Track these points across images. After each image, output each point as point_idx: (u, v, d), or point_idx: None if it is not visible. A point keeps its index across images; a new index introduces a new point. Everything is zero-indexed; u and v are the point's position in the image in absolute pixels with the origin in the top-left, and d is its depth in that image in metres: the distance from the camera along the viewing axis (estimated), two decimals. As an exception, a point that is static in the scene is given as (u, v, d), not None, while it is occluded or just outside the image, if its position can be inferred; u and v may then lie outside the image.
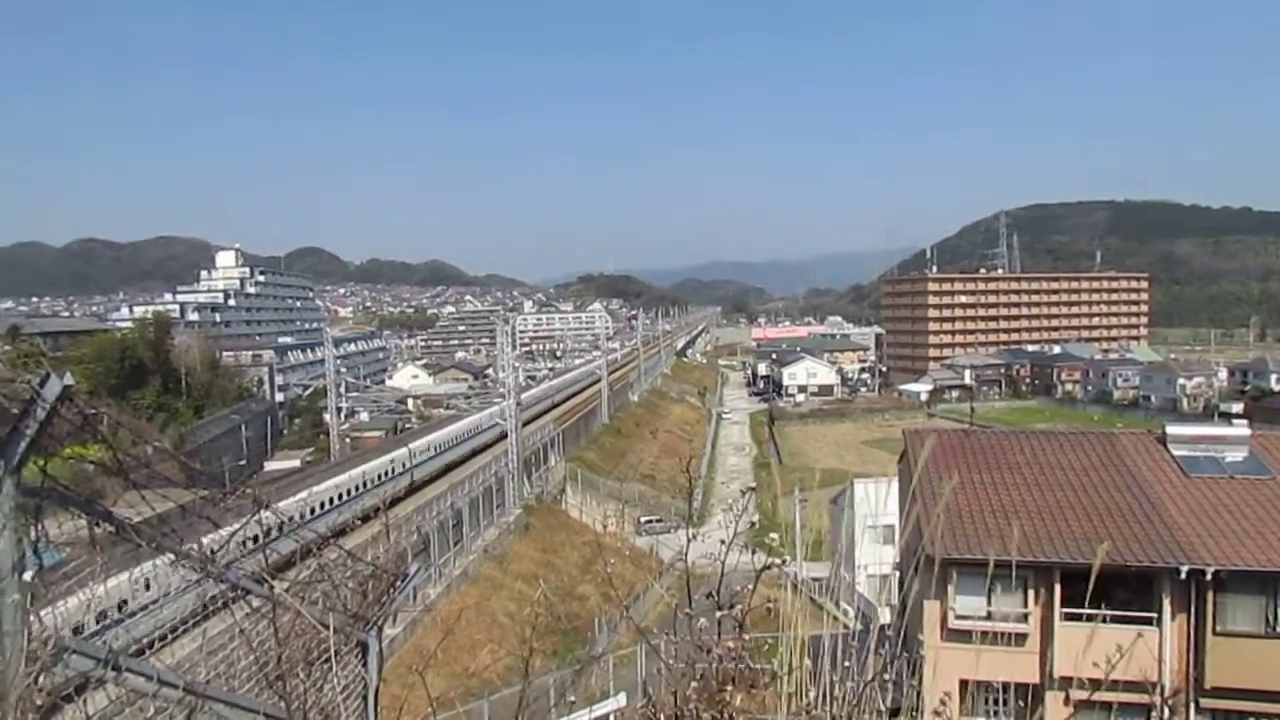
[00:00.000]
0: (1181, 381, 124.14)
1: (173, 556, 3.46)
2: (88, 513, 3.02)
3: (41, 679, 2.56)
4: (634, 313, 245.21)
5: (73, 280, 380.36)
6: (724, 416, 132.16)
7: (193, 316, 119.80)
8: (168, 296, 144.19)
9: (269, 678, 3.80)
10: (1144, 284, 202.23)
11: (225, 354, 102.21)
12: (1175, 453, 24.51)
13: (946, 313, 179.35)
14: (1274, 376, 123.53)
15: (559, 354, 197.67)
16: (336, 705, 4.15)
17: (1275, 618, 20.33)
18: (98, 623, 3.29)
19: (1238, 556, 20.16)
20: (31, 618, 2.59)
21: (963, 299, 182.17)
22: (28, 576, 2.56)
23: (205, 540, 3.77)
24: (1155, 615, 20.50)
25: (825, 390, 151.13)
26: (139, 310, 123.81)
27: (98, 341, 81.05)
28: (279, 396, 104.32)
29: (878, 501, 31.14)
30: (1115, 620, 19.51)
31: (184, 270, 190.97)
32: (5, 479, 2.55)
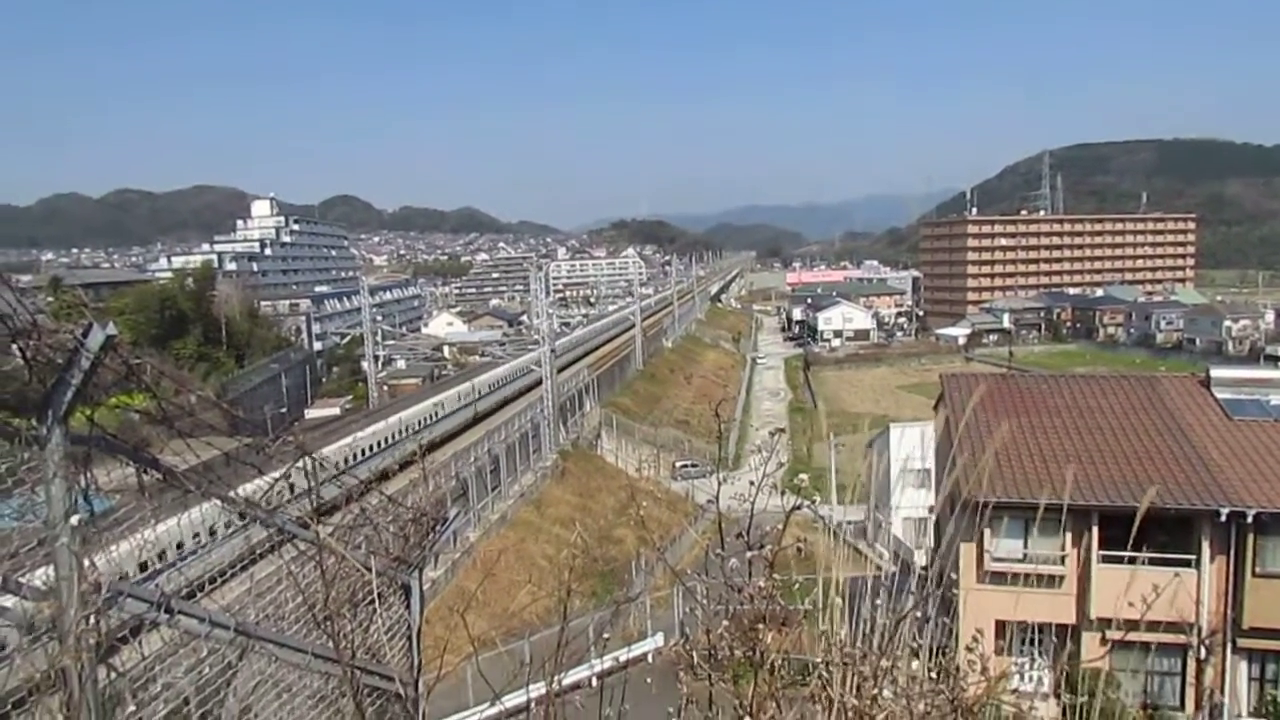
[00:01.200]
0: (1227, 324, 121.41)
1: (219, 502, 3.54)
2: (135, 460, 3.08)
3: (98, 620, 2.65)
4: (668, 259, 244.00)
5: (111, 230, 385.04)
6: (759, 362, 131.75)
7: (230, 266, 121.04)
8: (205, 246, 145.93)
9: (316, 619, 3.90)
10: (1191, 225, 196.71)
11: (263, 303, 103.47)
12: (1219, 395, 24.12)
13: (985, 256, 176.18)
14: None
15: (593, 300, 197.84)
16: (382, 645, 4.26)
17: (1316, 560, 20.21)
18: (151, 566, 3.39)
19: (1280, 499, 19.94)
20: (86, 563, 2.67)
21: (1003, 242, 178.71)
22: (74, 521, 2.63)
23: (250, 486, 3.85)
24: (1194, 557, 20.42)
25: (861, 335, 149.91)
26: (177, 260, 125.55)
27: (138, 292, 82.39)
28: (317, 345, 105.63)
29: (914, 446, 31.03)
30: (1153, 563, 19.45)
31: (219, 220, 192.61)
32: (54, 428, 2.60)
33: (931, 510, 27.58)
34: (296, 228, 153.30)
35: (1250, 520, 19.92)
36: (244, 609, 3.69)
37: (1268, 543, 20.34)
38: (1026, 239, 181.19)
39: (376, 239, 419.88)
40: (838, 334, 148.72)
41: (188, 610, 3.12)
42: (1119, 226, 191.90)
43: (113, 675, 2.76)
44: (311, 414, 72.75)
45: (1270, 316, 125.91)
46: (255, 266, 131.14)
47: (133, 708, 2.88)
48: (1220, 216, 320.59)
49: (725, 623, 2.81)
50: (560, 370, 63.37)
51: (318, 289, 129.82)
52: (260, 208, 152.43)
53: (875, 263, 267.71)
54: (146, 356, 3.21)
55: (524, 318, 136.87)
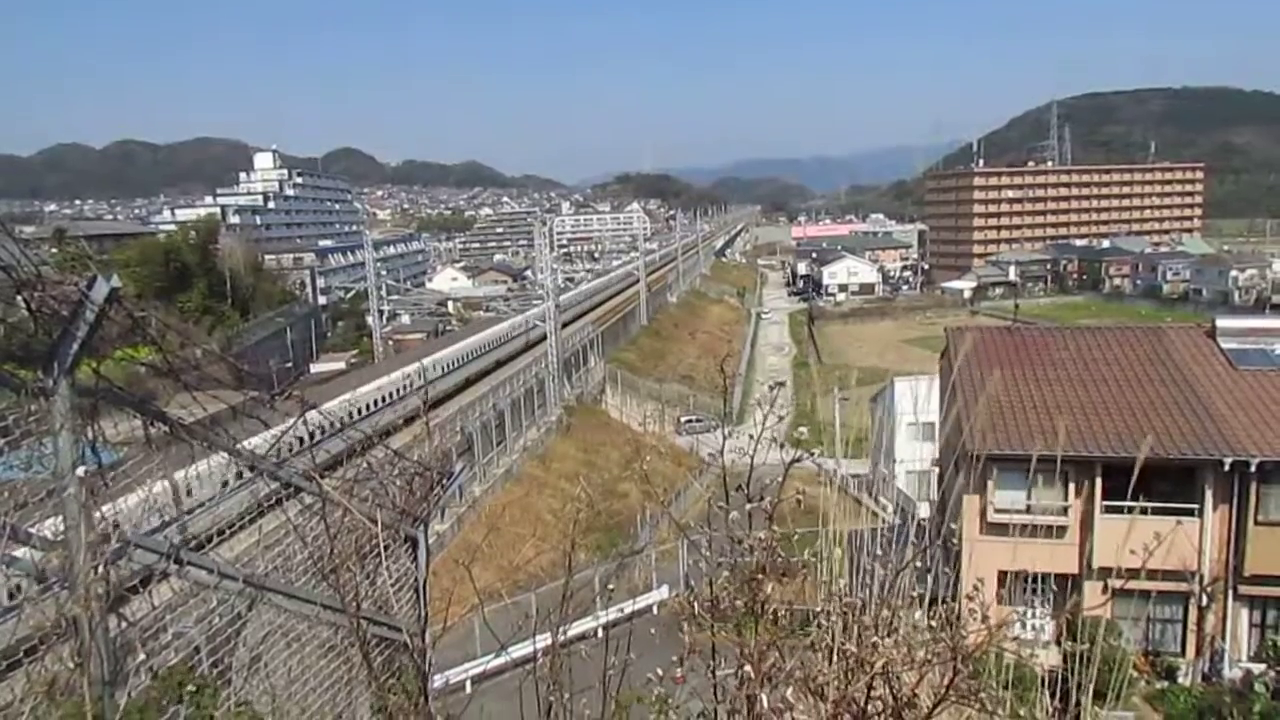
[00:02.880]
0: (1234, 274, 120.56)
1: (226, 455, 3.56)
2: (142, 413, 3.10)
3: (108, 570, 2.68)
4: (672, 213, 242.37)
5: (113, 181, 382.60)
6: (763, 316, 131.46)
7: (233, 219, 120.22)
8: (208, 199, 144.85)
9: (323, 571, 3.95)
10: (1199, 175, 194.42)
11: (267, 257, 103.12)
12: (1224, 345, 24.08)
13: (992, 208, 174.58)
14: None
15: (597, 255, 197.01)
16: (389, 597, 4.31)
17: (1318, 508, 20.37)
18: (162, 517, 3.43)
19: (1284, 449, 20.02)
20: (95, 514, 2.69)
21: (1009, 194, 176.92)
22: (81, 472, 2.64)
23: (257, 440, 3.87)
24: (1197, 506, 20.56)
25: (866, 289, 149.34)
26: (181, 213, 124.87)
27: (142, 245, 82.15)
28: (321, 300, 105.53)
29: (918, 399, 31.08)
30: (1156, 512, 19.58)
31: (222, 172, 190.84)
32: (59, 380, 2.61)
33: (935, 463, 27.70)
34: (300, 181, 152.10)
35: (1254, 469, 20.03)
36: (253, 561, 3.74)
37: (1270, 491, 20.48)
38: (1033, 190, 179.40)
39: (380, 193, 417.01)
40: (843, 288, 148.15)
41: (196, 561, 3.16)
42: (1126, 177, 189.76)
43: (123, 625, 2.80)
44: (316, 368, 72.98)
45: (1277, 266, 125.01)
46: (258, 220, 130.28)
47: (143, 656, 2.93)
48: (1230, 165, 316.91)
49: (726, 574, 2.84)
50: (565, 325, 63.34)
51: (321, 243, 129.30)
52: (263, 160, 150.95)
53: (881, 216, 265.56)
54: (151, 310, 3.21)
55: (528, 273, 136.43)
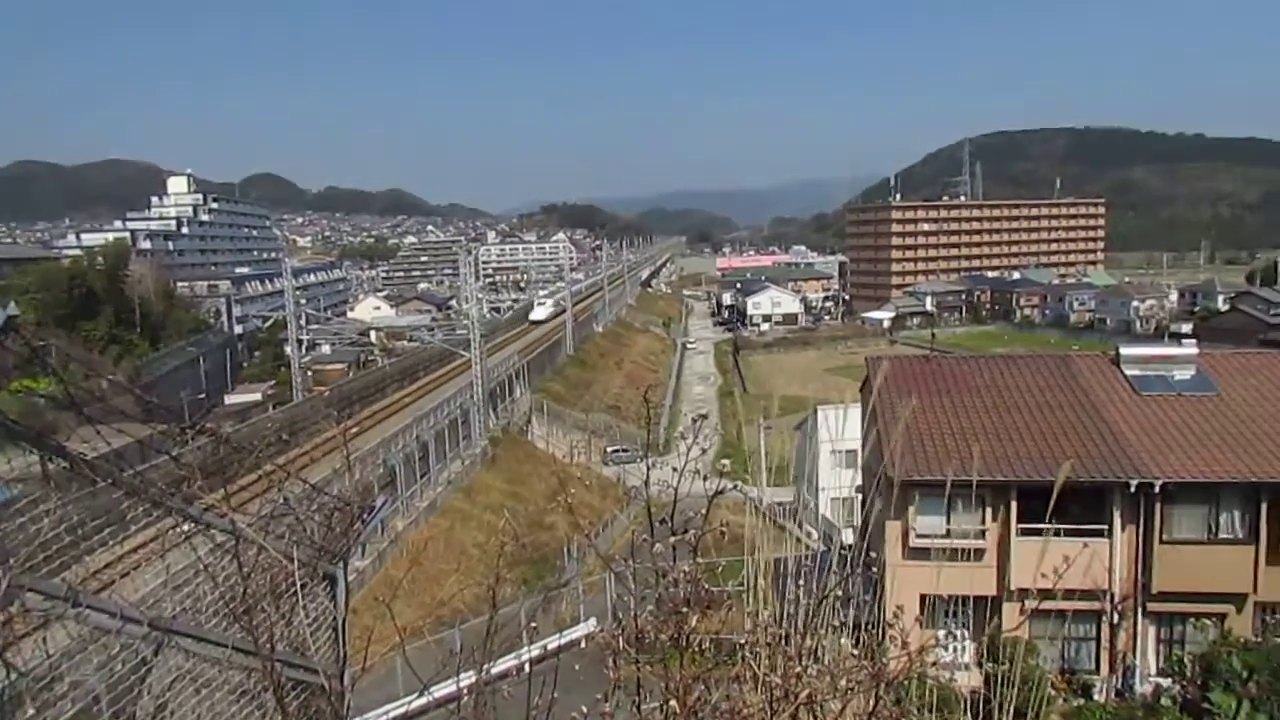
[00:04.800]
0: (1135, 304, 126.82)
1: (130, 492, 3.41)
2: (39, 448, 2.95)
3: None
4: (598, 243, 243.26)
5: (13, 204, 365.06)
6: (689, 347, 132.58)
7: (144, 245, 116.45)
8: (117, 223, 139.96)
9: (236, 612, 3.79)
10: (1101, 210, 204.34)
11: (180, 284, 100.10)
12: (1127, 372, 25.18)
13: (909, 240, 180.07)
14: (1221, 297, 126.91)
15: (523, 285, 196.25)
16: (305, 637, 4.16)
17: (1216, 525, 21.40)
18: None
19: (1184, 469, 21.01)
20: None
21: (925, 227, 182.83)
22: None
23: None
24: (1106, 527, 21.33)
25: (789, 319, 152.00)
26: (87, 238, 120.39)
27: (43, 270, 78.77)
28: (237, 328, 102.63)
29: (840, 427, 31.58)
30: (1069, 534, 20.25)
31: (133, 196, 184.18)
32: (-53, 416, 2.47)
33: (858, 490, 28.13)
34: (216, 206, 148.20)
35: (1158, 490, 20.93)
36: (159, 602, 3.57)
37: (1174, 511, 21.42)
38: (948, 224, 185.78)
39: (300, 219, 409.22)
40: (766, 318, 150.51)
41: (97, 604, 3.00)
42: (1034, 211, 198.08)
43: (12, 675, 2.64)
44: (231, 399, 70.76)
45: (1174, 297, 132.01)
46: (171, 245, 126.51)
47: (32, 712, 2.75)
48: (1127, 201, 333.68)
49: (650, 607, 2.82)
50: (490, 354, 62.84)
51: (238, 270, 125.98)
52: (177, 184, 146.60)
53: (803, 248, 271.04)
54: (52, 338, 3.07)
55: (453, 302, 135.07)
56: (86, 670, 3.08)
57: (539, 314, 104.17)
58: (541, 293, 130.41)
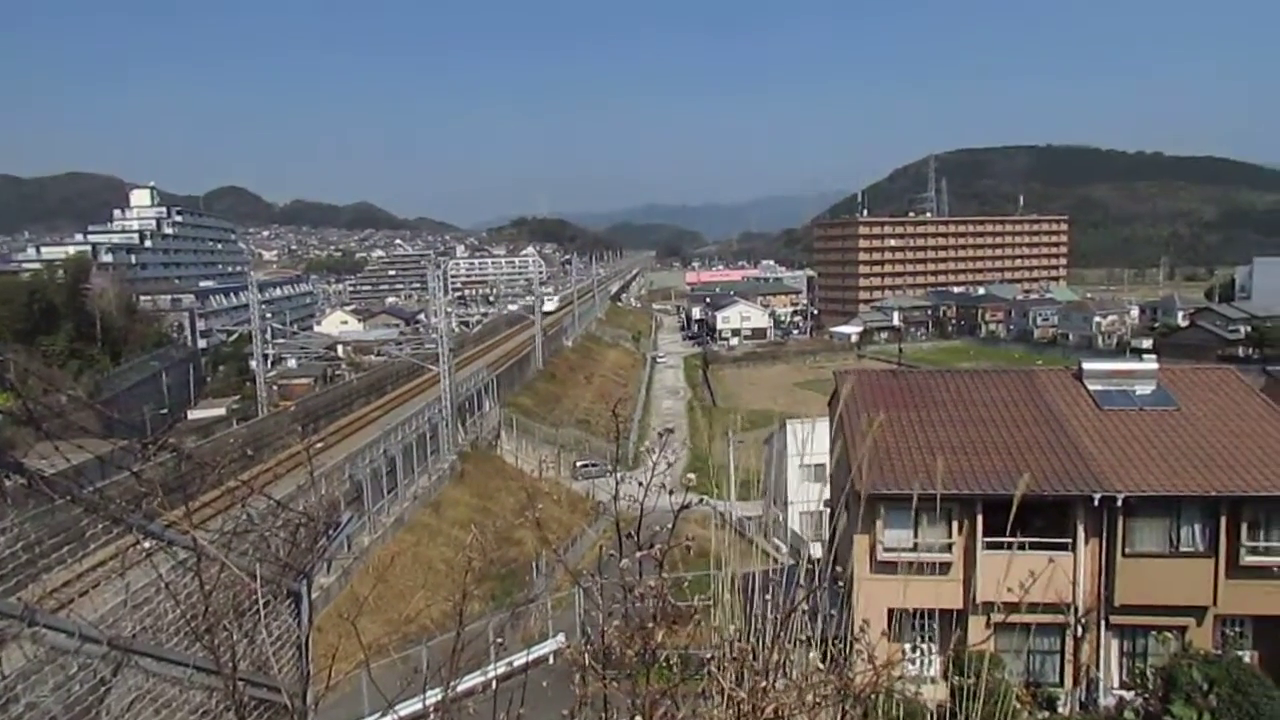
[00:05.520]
0: (1097, 319, 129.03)
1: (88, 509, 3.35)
2: (-5, 466, 2.90)
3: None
4: (568, 257, 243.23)
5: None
6: (658, 361, 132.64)
7: (106, 258, 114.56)
8: (78, 236, 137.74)
9: (197, 630, 3.73)
10: (1064, 226, 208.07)
11: (142, 298, 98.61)
12: (1090, 387, 25.56)
13: (876, 256, 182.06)
14: (1181, 313, 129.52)
15: (492, 299, 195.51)
16: (268, 656, 4.11)
17: (1177, 538, 21.72)
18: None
19: (1145, 483, 21.32)
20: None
21: (892, 242, 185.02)
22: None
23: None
24: (1070, 541, 21.59)
25: (758, 333, 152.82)
26: (47, 251, 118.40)
27: (2, 284, 77.40)
28: (201, 343, 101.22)
29: (808, 441, 31.78)
30: (1034, 547, 20.49)
31: (95, 209, 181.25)
32: (-99, 433, 2.42)
33: (826, 504, 28.27)
34: (179, 219, 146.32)
35: (1120, 504, 21.21)
36: (119, 621, 3.51)
37: (1136, 524, 21.72)
38: (914, 239, 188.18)
39: (266, 233, 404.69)
40: (736, 332, 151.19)
41: (54, 624, 2.94)
42: (999, 228, 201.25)
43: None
44: (194, 414, 69.70)
45: (1135, 312, 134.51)
46: (134, 259, 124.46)
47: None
48: (1089, 218, 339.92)
49: (616, 623, 2.82)
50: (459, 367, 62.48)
51: (202, 284, 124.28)
52: (140, 197, 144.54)
53: (772, 262, 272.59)
54: (10, 353, 3.02)
55: (421, 316, 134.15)
56: (43, 691, 3.02)
57: (549, 305, 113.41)
58: (510, 306, 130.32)
